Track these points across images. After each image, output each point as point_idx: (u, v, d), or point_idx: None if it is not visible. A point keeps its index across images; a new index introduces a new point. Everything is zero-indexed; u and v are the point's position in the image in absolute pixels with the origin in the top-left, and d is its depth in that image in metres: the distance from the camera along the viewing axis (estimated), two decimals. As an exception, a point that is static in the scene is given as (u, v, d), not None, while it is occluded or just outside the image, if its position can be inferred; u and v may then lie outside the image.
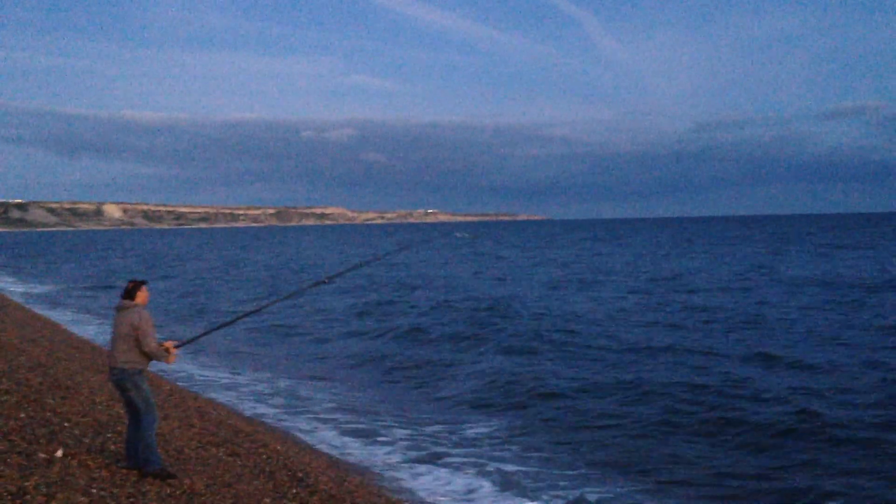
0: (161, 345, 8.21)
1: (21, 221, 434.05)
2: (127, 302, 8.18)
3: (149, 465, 8.17)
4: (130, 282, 8.31)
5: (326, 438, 14.12)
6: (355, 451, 13.42)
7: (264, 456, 11.30)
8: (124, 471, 8.08)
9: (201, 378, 18.96)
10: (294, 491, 9.74)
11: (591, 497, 11.18)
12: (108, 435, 9.58)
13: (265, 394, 17.57)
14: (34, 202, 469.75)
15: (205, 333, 9.84)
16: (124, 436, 9.37)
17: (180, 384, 17.19)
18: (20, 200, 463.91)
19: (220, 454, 10.67)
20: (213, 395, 16.59)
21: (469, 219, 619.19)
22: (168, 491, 7.85)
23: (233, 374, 19.90)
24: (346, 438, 14.19)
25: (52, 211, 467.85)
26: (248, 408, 16.00)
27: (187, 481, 8.40)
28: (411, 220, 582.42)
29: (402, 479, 11.94)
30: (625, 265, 58.16)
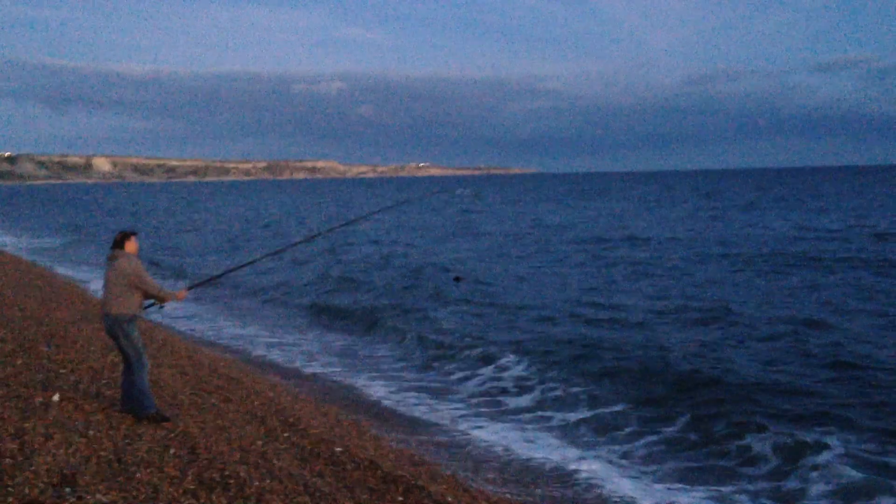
0: (162, 288, 8.45)
1: (10, 174, 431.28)
2: (117, 251, 8.34)
3: (143, 409, 8.41)
4: (120, 232, 8.46)
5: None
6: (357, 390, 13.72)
7: (256, 402, 11.55)
8: (120, 414, 8.31)
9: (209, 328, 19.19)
10: (286, 434, 10.00)
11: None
12: (103, 381, 9.80)
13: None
14: (24, 155, 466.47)
15: (216, 277, 10.04)
16: (120, 382, 9.62)
17: (180, 334, 17.41)
18: (9, 153, 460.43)
19: (214, 400, 10.91)
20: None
21: (461, 172, 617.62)
22: (162, 433, 8.09)
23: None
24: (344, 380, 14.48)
25: (41, 164, 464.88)
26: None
27: (181, 425, 8.64)
28: (403, 174, 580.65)
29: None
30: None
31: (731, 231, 42.60)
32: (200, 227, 59.22)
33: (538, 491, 9.91)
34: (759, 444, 10.96)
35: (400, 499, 8.53)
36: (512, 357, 15.89)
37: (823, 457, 10.44)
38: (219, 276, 10.08)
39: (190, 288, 9.09)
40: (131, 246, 8.37)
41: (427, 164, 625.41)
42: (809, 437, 10.97)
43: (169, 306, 8.97)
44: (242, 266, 10.07)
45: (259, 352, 17.02)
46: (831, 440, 10.94)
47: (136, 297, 8.23)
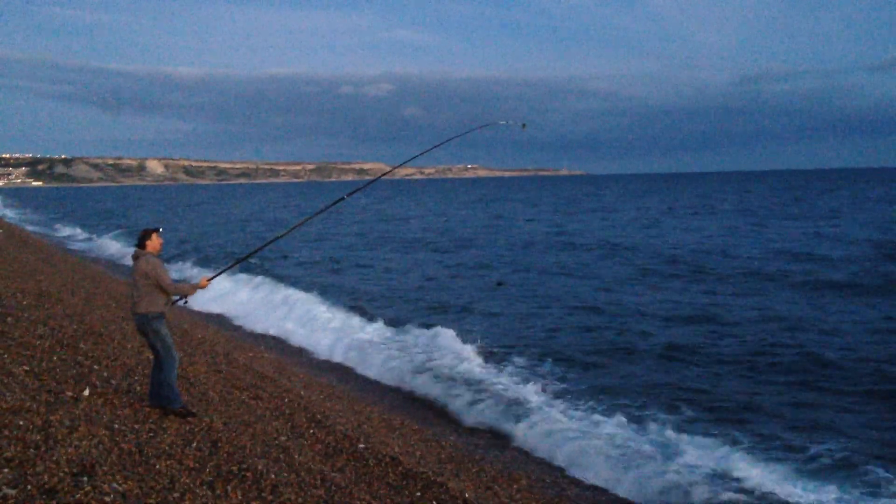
0: (179, 285, 8.68)
1: (66, 177, 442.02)
2: (139, 251, 8.60)
3: (170, 403, 8.64)
4: (142, 231, 8.72)
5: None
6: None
7: (286, 400, 11.78)
8: (147, 409, 8.56)
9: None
10: (311, 431, 10.20)
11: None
12: (136, 377, 10.08)
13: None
14: (79, 158, 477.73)
15: (234, 264, 10.32)
16: (150, 377, 9.90)
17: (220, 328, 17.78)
18: (65, 156, 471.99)
19: (244, 397, 11.16)
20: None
21: (509, 174, 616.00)
22: (187, 427, 8.31)
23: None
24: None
25: (96, 167, 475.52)
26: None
27: (207, 420, 8.86)
28: (450, 176, 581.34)
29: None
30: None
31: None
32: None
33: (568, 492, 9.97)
34: None
35: (418, 494, 8.66)
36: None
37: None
38: (233, 265, 10.37)
39: (211, 278, 9.34)
40: (152, 244, 8.60)
41: (475, 165, 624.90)
42: None
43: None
44: (254, 252, 10.36)
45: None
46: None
47: (161, 295, 8.46)
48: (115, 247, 40.52)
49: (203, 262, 33.76)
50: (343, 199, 11.19)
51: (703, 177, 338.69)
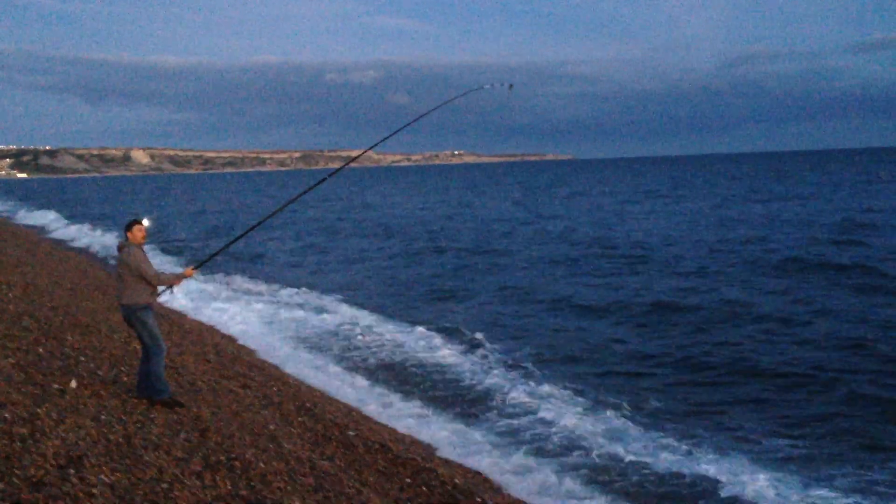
0: (162, 275, 8.62)
1: (51, 168, 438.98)
2: (122, 242, 8.58)
3: (157, 393, 8.62)
4: (129, 221, 8.67)
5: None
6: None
7: (275, 389, 11.78)
8: (135, 400, 8.53)
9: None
10: (300, 419, 10.20)
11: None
12: (122, 368, 10.04)
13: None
14: (63, 149, 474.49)
15: (217, 253, 10.21)
16: (137, 368, 9.87)
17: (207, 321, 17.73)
18: (49, 147, 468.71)
19: (232, 386, 11.14)
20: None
21: (496, 159, 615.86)
22: (175, 417, 8.29)
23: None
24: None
25: (80, 157, 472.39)
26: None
27: (195, 409, 8.84)
28: (437, 162, 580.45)
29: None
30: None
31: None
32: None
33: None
34: None
35: (408, 480, 8.68)
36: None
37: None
38: (218, 253, 10.23)
39: (196, 267, 9.30)
40: (135, 234, 8.55)
41: (461, 151, 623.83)
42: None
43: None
44: (236, 239, 10.23)
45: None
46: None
47: (146, 286, 8.42)
48: (97, 236, 40.28)
49: (173, 252, 34.12)
50: (307, 191, 11.02)
51: (688, 160, 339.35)
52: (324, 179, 11.24)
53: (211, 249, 32.95)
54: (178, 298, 18.02)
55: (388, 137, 12.25)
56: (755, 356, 14.94)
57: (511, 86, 12.50)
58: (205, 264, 10.00)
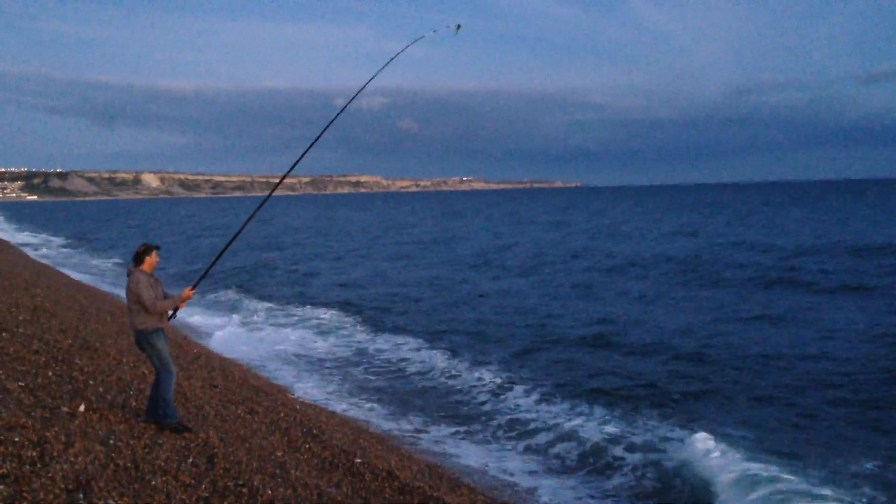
0: (165, 298, 8.60)
1: (61, 190, 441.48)
2: (130, 268, 8.59)
3: (166, 419, 8.62)
4: (141, 245, 8.69)
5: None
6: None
7: (282, 414, 11.75)
8: (143, 425, 8.53)
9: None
10: (307, 445, 10.17)
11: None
12: (131, 392, 10.05)
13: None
14: (74, 172, 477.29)
15: (209, 268, 9.88)
16: (147, 392, 9.88)
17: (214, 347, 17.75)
18: (60, 170, 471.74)
19: (239, 412, 11.13)
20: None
21: (505, 186, 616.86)
22: (183, 443, 8.28)
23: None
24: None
25: (91, 180, 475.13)
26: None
27: (203, 435, 8.83)
28: (446, 188, 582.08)
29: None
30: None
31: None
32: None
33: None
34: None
35: (415, 509, 8.62)
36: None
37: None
38: (210, 267, 9.91)
39: (193, 287, 9.06)
40: (144, 261, 8.55)
41: (470, 178, 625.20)
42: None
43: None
44: (221, 253, 9.85)
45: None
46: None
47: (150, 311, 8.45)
48: (103, 260, 40.48)
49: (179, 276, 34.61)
50: (255, 212, 10.61)
51: (696, 188, 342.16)
52: (265, 200, 11.07)
53: (218, 274, 33.25)
54: (190, 315, 18.09)
55: (300, 158, 11.56)
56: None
57: (459, 26, 12.10)
58: (199, 282, 9.66)
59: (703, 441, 11.24)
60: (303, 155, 11.21)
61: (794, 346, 17.73)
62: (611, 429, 12.61)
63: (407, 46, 12.32)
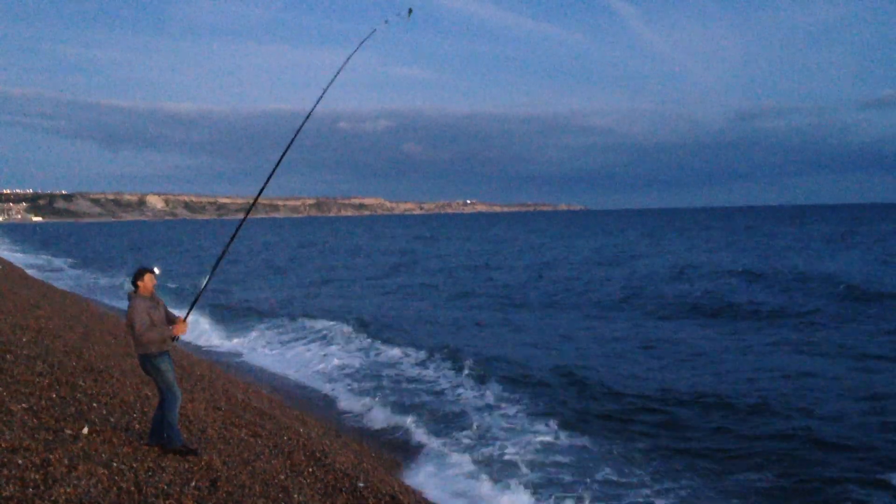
0: (168, 319, 8.58)
1: (66, 212, 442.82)
2: (130, 293, 8.56)
3: (170, 442, 8.60)
4: (137, 269, 8.68)
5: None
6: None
7: (285, 437, 11.71)
8: (147, 447, 8.51)
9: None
10: (310, 469, 10.13)
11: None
12: (135, 415, 10.03)
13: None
14: (79, 193, 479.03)
15: (195, 301, 9.78)
16: (150, 415, 9.85)
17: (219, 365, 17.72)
18: (65, 191, 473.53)
19: (243, 435, 11.09)
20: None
21: (509, 209, 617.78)
22: (186, 466, 8.26)
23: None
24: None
25: (96, 202, 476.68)
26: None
27: (206, 458, 8.81)
28: (449, 211, 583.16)
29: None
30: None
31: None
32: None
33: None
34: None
35: (417, 534, 8.57)
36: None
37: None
38: (200, 294, 9.75)
39: (185, 318, 8.95)
40: (142, 285, 8.52)
41: (474, 200, 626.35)
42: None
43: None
44: (210, 277, 9.63)
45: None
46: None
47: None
48: (107, 281, 40.58)
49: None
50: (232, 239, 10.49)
51: (697, 213, 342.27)
52: (240, 224, 10.96)
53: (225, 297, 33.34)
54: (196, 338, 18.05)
55: (268, 180, 11.35)
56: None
57: (410, 10, 11.90)
58: (191, 310, 9.53)
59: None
60: (272, 174, 10.71)
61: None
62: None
63: (361, 42, 11.99)
